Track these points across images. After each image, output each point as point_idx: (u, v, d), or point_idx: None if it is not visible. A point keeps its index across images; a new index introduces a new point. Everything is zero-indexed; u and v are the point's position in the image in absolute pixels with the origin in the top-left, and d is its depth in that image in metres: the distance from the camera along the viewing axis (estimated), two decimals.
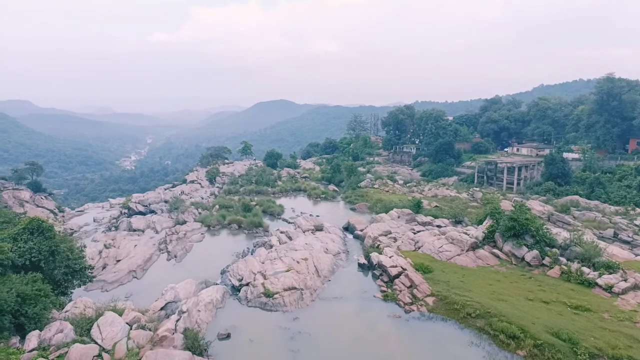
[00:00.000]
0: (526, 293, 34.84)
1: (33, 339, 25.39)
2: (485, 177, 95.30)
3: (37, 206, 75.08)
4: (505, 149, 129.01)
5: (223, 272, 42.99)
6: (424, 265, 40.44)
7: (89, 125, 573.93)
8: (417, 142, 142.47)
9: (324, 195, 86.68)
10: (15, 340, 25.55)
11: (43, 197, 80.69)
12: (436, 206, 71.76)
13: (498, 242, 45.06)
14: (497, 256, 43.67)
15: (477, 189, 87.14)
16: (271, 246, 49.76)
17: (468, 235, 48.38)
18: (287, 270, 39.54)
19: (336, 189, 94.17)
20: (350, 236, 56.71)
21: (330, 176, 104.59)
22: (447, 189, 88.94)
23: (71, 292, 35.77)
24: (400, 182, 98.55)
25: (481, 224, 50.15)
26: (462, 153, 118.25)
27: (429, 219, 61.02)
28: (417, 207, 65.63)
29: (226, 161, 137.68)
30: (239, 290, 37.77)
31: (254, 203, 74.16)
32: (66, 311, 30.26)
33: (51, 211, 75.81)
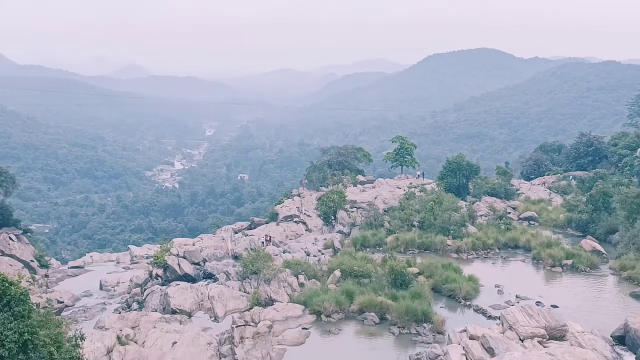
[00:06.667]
0: None
1: None
2: None
3: (2, 254, 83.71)
4: None
5: None
6: None
7: (103, 100, 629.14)
8: None
9: (570, 261, 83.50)
10: None
11: (13, 238, 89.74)
12: None
13: None
14: None
15: None
16: None
17: None
18: None
19: (599, 247, 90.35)
20: (629, 357, 53.75)
21: (588, 219, 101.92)
22: None
23: None
24: None
25: None
26: None
27: None
28: None
29: (360, 178, 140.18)
30: None
31: (415, 270, 74.32)
32: None
33: (26, 264, 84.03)
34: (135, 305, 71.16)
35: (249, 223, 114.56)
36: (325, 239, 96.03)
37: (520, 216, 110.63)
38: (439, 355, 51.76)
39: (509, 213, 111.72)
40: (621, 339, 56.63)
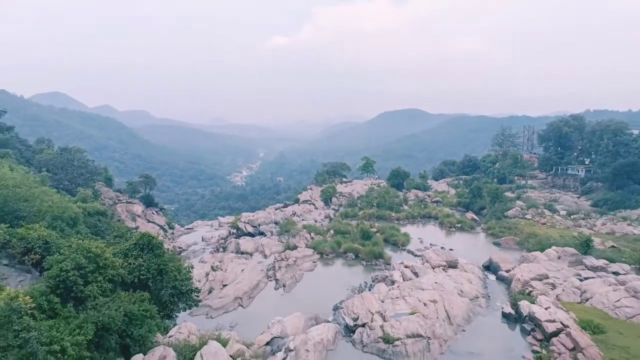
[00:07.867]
0: None
1: None
2: None
3: (149, 221, 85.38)
4: None
5: (336, 309, 44.26)
6: (594, 323, 37.23)
7: (202, 137, 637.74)
8: (586, 163, 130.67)
9: (459, 225, 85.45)
10: None
11: (154, 212, 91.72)
12: (613, 247, 65.35)
13: None
14: None
15: None
16: (393, 282, 50.29)
17: None
18: (412, 313, 39.36)
19: (475, 217, 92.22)
20: (492, 277, 55.07)
21: (469, 202, 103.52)
22: (629, 224, 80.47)
23: (176, 316, 39.82)
24: (562, 212, 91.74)
25: None
26: None
27: (601, 262, 55.89)
28: (585, 246, 60.53)
29: (344, 179, 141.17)
30: (354, 332, 38.49)
31: (374, 230, 75.77)
32: (170, 336, 33.74)
33: (161, 227, 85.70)
34: (221, 249, 72.71)
35: (283, 204, 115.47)
36: (325, 213, 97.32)
37: (432, 200, 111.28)
38: (388, 276, 53.38)
39: (426, 199, 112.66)
40: (487, 267, 58.86)
